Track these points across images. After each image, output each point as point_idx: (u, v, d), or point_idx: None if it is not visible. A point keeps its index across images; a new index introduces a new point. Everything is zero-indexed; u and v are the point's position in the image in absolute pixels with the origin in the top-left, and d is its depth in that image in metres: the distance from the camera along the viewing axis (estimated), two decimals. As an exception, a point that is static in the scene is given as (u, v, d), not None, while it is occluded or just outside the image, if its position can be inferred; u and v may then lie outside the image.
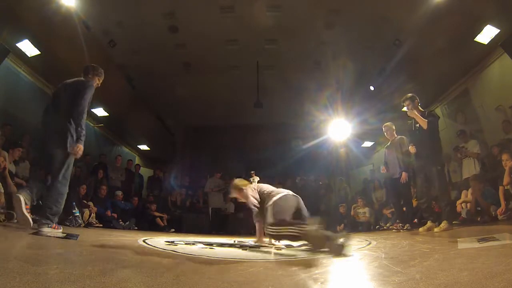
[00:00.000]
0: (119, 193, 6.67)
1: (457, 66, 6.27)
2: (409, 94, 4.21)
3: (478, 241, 2.05)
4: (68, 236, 2.60)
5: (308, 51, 7.41)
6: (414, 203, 5.30)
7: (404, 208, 4.96)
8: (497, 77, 5.79)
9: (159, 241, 3.05)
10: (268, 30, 6.65)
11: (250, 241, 3.47)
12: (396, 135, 4.93)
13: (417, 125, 4.06)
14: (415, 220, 5.06)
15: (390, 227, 5.31)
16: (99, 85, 3.38)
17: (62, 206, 2.93)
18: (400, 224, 4.81)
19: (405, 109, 4.34)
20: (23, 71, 5.95)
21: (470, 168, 5.21)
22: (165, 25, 6.56)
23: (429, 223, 3.94)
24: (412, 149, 4.20)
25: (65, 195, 2.95)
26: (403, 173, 4.58)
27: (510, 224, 3.68)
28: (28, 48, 5.49)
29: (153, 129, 10.06)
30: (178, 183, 8.95)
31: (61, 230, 3.25)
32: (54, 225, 3.02)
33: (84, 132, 3.00)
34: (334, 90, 7.78)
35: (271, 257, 2.21)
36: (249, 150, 10.02)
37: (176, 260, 1.91)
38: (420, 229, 3.96)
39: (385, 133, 5.04)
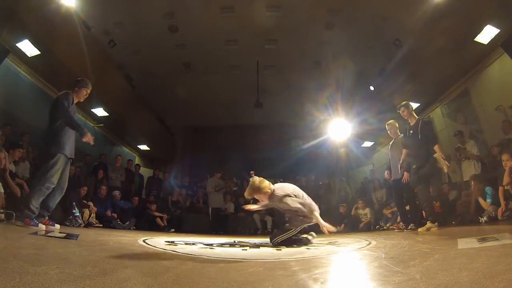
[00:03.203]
0: (117, 193, 6.65)
1: (457, 66, 6.27)
2: (404, 102, 4.38)
3: (478, 241, 2.05)
4: (68, 236, 2.60)
5: (308, 51, 7.41)
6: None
7: (408, 207, 4.90)
8: (497, 77, 5.79)
9: (159, 241, 3.04)
10: (268, 30, 6.66)
11: (250, 241, 3.47)
12: (399, 133, 4.85)
13: (411, 131, 4.20)
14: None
15: (391, 227, 5.31)
16: (87, 95, 3.70)
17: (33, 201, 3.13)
18: (403, 225, 4.78)
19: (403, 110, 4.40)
20: (23, 71, 5.94)
21: (470, 170, 5.20)
22: (165, 25, 6.56)
23: (428, 224, 3.95)
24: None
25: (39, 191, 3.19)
26: (405, 173, 4.53)
27: (510, 224, 3.68)
28: (28, 48, 5.49)
29: (153, 129, 10.06)
30: (178, 183, 8.95)
31: (56, 227, 3.31)
32: (45, 220, 3.23)
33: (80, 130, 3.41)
34: (334, 90, 7.78)
35: (271, 257, 2.21)
36: (249, 150, 10.02)
37: (176, 260, 1.91)
38: (419, 229, 3.96)
39: (388, 131, 4.95)
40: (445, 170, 4.11)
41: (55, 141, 3.29)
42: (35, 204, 3.10)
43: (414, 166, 4.05)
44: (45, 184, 3.16)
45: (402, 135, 4.79)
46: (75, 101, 3.60)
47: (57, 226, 3.46)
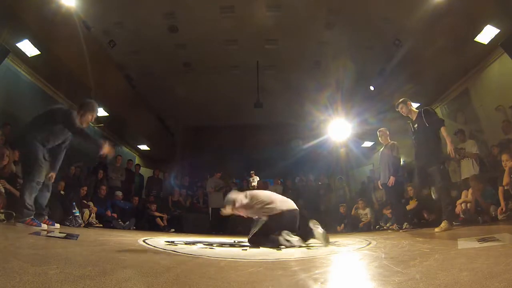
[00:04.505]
0: (119, 193, 6.67)
1: (457, 66, 6.27)
2: (401, 99, 4.28)
3: (478, 241, 2.05)
4: (68, 236, 2.60)
5: (308, 51, 7.41)
6: (414, 203, 5.33)
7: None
8: (497, 77, 5.79)
9: (159, 241, 3.05)
10: (268, 30, 6.66)
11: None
12: (389, 140, 5.00)
13: (415, 125, 4.09)
14: (415, 220, 5.07)
15: (390, 227, 5.32)
16: (92, 120, 3.55)
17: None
18: (397, 226, 4.85)
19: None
20: (23, 71, 5.94)
21: (469, 169, 5.19)
22: (165, 25, 6.57)
23: (444, 224, 3.71)
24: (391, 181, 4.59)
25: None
26: (391, 177, 4.73)
27: (510, 224, 3.67)
28: (28, 48, 5.48)
29: (153, 129, 10.06)
30: (178, 183, 8.95)
31: (56, 227, 3.31)
32: (45, 220, 3.27)
33: None
34: (334, 90, 7.78)
35: (271, 257, 2.21)
36: (249, 150, 10.03)
37: (176, 260, 1.91)
38: (436, 229, 3.71)
39: (379, 138, 5.12)
40: (451, 155, 3.93)
41: (28, 136, 3.19)
42: (29, 202, 3.06)
43: (441, 167, 3.81)
44: (34, 180, 3.09)
45: (392, 142, 4.96)
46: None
47: (57, 225, 3.45)
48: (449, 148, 3.81)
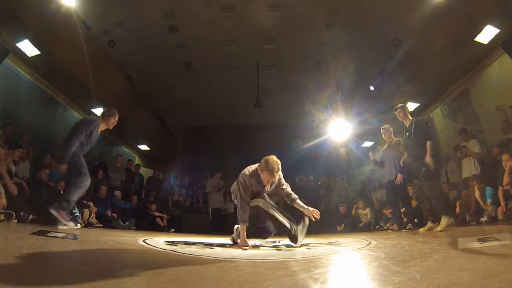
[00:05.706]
0: (118, 193, 6.65)
1: (457, 66, 6.26)
2: (400, 104, 4.41)
3: (478, 241, 2.05)
4: (68, 236, 2.60)
5: (308, 51, 7.41)
6: (414, 203, 5.33)
7: (403, 209, 4.99)
8: (497, 77, 5.78)
9: (159, 241, 3.05)
10: (268, 30, 6.66)
11: (250, 241, 3.46)
12: (394, 138, 4.99)
13: (407, 133, 4.23)
14: (415, 220, 5.07)
15: (390, 227, 5.33)
16: (115, 123, 4.16)
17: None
18: (397, 225, 4.84)
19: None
20: (23, 71, 5.94)
21: (470, 168, 5.19)
22: (165, 25, 6.57)
23: (429, 223, 3.95)
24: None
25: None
26: (398, 175, 4.69)
27: (510, 224, 3.68)
28: (28, 48, 5.48)
29: (153, 129, 10.06)
30: (178, 183, 8.94)
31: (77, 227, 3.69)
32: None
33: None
34: (334, 90, 7.77)
35: (271, 257, 2.21)
36: (249, 150, 10.01)
37: (176, 260, 1.91)
38: (421, 230, 3.96)
39: (383, 135, 5.11)
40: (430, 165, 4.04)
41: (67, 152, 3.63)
42: (74, 199, 3.61)
43: (424, 169, 3.95)
44: (76, 184, 3.63)
45: (397, 139, 4.94)
46: (102, 128, 4.01)
47: (78, 225, 3.97)
48: (428, 160, 3.92)
